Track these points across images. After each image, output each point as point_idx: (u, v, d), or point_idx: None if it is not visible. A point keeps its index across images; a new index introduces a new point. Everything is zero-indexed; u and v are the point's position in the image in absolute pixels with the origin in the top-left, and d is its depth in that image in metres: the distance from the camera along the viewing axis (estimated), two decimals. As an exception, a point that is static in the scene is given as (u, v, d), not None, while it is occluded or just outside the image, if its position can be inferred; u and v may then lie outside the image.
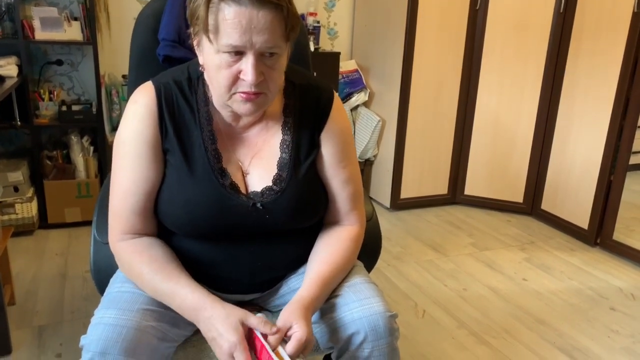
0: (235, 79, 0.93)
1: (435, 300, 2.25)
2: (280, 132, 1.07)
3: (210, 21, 0.90)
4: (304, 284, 1.01)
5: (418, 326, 2.05)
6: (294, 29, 0.95)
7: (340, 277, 1.06)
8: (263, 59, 0.93)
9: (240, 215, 1.02)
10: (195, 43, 0.98)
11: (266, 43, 0.90)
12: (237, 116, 1.05)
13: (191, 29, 0.97)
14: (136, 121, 1.01)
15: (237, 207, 1.01)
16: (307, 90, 1.10)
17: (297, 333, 0.91)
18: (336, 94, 1.14)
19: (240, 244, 1.06)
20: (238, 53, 0.91)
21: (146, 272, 0.97)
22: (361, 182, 1.16)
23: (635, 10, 2.48)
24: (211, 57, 0.94)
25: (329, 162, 1.09)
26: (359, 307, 1.00)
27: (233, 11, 0.88)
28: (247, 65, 0.91)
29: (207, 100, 1.04)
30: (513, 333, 2.03)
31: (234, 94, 0.95)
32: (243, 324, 0.92)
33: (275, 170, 1.05)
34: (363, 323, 0.98)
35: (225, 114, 1.04)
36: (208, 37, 0.92)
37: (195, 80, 1.05)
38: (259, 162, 1.06)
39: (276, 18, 0.90)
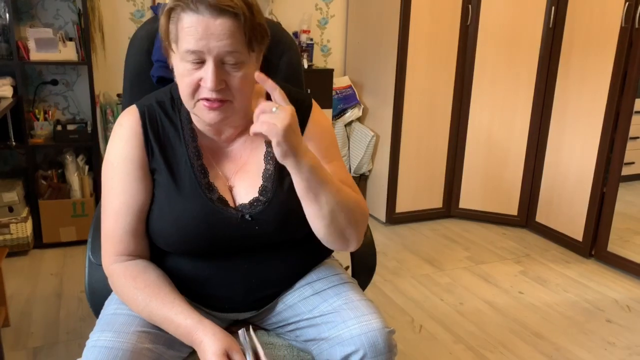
0: (197, 86, 0.95)
1: (431, 315, 2.24)
2: (263, 144, 1.09)
3: (172, 30, 0.94)
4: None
5: (415, 341, 2.05)
6: (257, 39, 0.97)
7: (343, 193, 1.00)
8: (224, 66, 0.94)
9: (230, 228, 1.03)
10: (168, 55, 1.01)
11: (225, 47, 0.92)
12: (217, 130, 1.06)
13: (163, 42, 1.00)
14: (122, 143, 1.03)
15: (227, 220, 1.03)
16: None
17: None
18: (315, 103, 1.16)
19: (233, 260, 1.06)
20: (199, 60, 0.93)
21: (141, 298, 0.97)
22: (350, 177, 1.13)
23: (623, 24, 2.52)
24: (177, 66, 0.97)
25: None
26: (356, 324, 1.00)
27: (190, 19, 0.91)
28: (206, 72, 0.93)
29: (190, 118, 1.07)
30: (510, 347, 2.03)
31: (198, 101, 0.97)
32: (229, 355, 0.91)
33: (261, 182, 1.07)
34: (362, 340, 0.98)
35: (205, 128, 1.06)
36: (170, 47, 0.96)
37: (178, 100, 1.08)
38: (245, 175, 1.08)
39: (234, 26, 0.92)
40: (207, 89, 0.94)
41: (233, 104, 0.98)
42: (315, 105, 1.14)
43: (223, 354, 0.90)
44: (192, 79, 0.94)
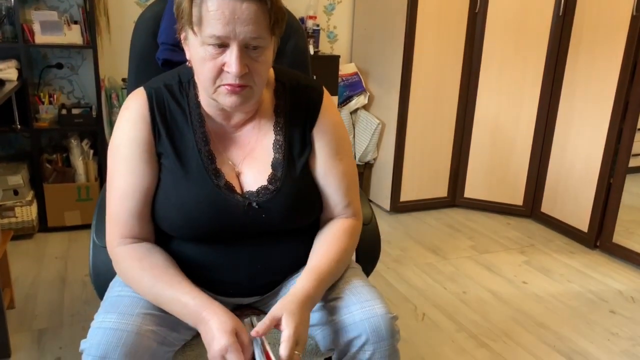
0: (220, 71, 0.94)
1: (435, 303, 2.24)
2: (272, 132, 1.08)
3: (195, 13, 0.92)
4: (299, 278, 1.01)
5: (418, 329, 2.05)
6: (279, 23, 0.96)
7: (338, 270, 1.06)
8: (247, 51, 0.93)
9: (236, 215, 1.02)
10: (182, 37, 1.00)
11: (250, 33, 0.91)
12: (227, 115, 1.06)
13: (177, 24, 0.98)
14: (129, 126, 1.02)
15: (233, 207, 1.02)
16: (297, 91, 1.11)
17: (285, 332, 0.90)
18: (326, 91, 1.15)
19: (238, 246, 1.06)
20: (222, 45, 0.92)
21: (147, 279, 0.97)
22: (357, 175, 1.17)
23: (634, 13, 2.49)
24: (196, 50, 0.95)
25: (323, 156, 1.10)
26: (359, 309, 1.00)
27: (217, 2, 0.89)
28: (231, 57, 0.92)
29: (198, 102, 1.06)
30: (513, 336, 2.03)
31: (219, 86, 0.96)
32: (237, 333, 0.91)
33: (270, 170, 1.06)
34: (364, 325, 0.98)
35: (215, 113, 1.05)
36: (192, 30, 0.93)
37: (186, 84, 1.07)
38: (253, 162, 1.07)
39: (260, 10, 0.91)
40: (231, 75, 0.93)
41: (253, 89, 0.98)
42: (326, 96, 1.13)
43: (232, 332, 0.90)
44: (215, 63, 0.93)
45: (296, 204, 1.06)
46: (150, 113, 1.03)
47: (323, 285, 1.02)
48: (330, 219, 1.14)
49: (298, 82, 1.13)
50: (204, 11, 0.90)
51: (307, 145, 1.09)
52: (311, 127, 1.10)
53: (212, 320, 0.92)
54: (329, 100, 1.13)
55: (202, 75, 0.96)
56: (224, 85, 0.95)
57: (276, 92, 1.11)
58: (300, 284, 0.99)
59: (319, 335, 1.06)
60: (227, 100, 0.97)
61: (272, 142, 1.07)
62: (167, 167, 1.03)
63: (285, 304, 0.94)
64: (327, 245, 1.08)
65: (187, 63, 1.03)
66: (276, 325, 0.93)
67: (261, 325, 0.91)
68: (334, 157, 1.10)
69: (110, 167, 1.04)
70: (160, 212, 1.03)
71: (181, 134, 1.04)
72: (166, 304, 0.96)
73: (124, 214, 1.01)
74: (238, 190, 1.04)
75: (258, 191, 1.04)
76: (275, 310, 0.93)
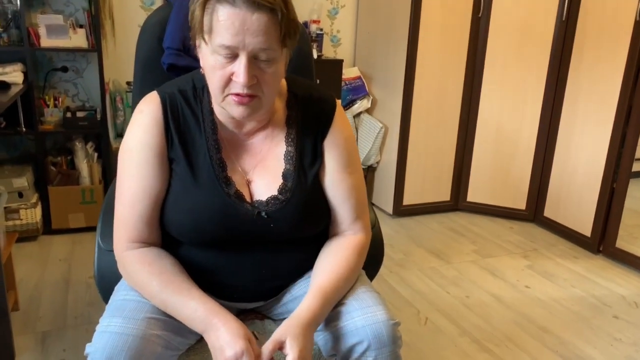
0: (228, 80, 0.94)
1: (437, 307, 2.24)
2: (284, 143, 1.08)
3: (206, 22, 0.92)
4: (305, 298, 1.00)
5: (420, 334, 2.05)
6: (290, 35, 0.96)
7: (344, 289, 1.06)
8: (257, 62, 0.94)
9: (245, 224, 1.02)
10: (196, 45, 1.00)
11: (260, 44, 0.91)
12: (239, 123, 1.06)
13: (190, 31, 0.99)
14: (142, 130, 1.02)
15: (242, 216, 1.02)
16: (309, 102, 1.11)
17: (289, 356, 0.91)
18: (339, 103, 1.14)
19: (244, 252, 1.06)
20: (232, 55, 0.92)
21: (155, 284, 0.97)
22: (365, 190, 1.17)
23: (637, 18, 2.49)
24: (207, 58, 0.95)
25: (333, 169, 1.10)
26: (361, 315, 1.00)
27: (227, 12, 0.90)
28: (239, 67, 0.92)
29: (211, 109, 1.06)
30: (516, 341, 2.03)
31: (227, 95, 0.96)
32: (250, 340, 0.92)
33: (281, 180, 1.06)
34: (366, 331, 0.98)
35: (227, 120, 1.05)
36: (203, 38, 0.94)
37: (200, 90, 1.06)
38: (263, 172, 1.07)
39: (271, 21, 0.91)
40: (239, 85, 0.93)
41: (261, 100, 0.98)
42: (338, 108, 1.13)
43: (246, 337, 0.91)
44: (224, 72, 0.94)
45: (305, 215, 1.06)
46: (163, 118, 1.03)
47: (328, 305, 1.01)
48: (337, 232, 1.13)
49: (310, 94, 1.12)
50: (215, 20, 0.91)
51: (318, 157, 1.09)
52: (322, 139, 1.10)
53: (225, 327, 0.92)
54: (341, 113, 1.13)
55: (212, 83, 0.97)
56: (232, 94, 0.95)
57: (288, 102, 1.11)
58: (305, 305, 0.98)
59: (321, 340, 1.06)
60: (235, 110, 0.97)
61: (284, 152, 1.08)
62: (178, 173, 1.03)
63: (290, 327, 0.94)
64: (334, 264, 1.07)
65: (200, 69, 1.03)
66: (280, 347, 0.93)
67: (265, 350, 0.92)
68: (343, 170, 1.10)
69: (120, 170, 1.03)
70: (169, 218, 1.03)
71: (193, 141, 1.04)
72: (174, 309, 0.97)
73: (133, 218, 1.02)
74: (248, 199, 1.05)
75: (268, 201, 1.04)
76: (279, 333, 0.94)
